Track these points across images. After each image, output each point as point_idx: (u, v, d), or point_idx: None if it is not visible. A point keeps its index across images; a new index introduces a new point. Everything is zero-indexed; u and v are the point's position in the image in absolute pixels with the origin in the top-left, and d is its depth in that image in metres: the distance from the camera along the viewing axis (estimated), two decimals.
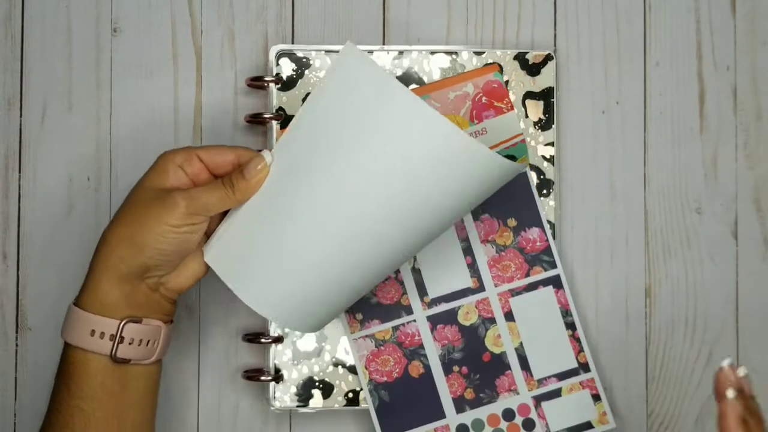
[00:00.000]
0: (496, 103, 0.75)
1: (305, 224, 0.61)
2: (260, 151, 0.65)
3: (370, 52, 0.75)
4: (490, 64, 0.75)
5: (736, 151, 0.78)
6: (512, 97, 0.75)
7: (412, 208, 0.60)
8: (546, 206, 0.75)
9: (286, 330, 0.73)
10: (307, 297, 0.63)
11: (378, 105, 0.59)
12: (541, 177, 0.75)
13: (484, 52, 0.75)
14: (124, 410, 0.64)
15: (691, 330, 0.77)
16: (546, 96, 0.75)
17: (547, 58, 0.75)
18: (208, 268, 0.66)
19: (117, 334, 0.63)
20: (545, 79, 0.75)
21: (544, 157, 0.75)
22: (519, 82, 0.75)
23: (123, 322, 0.63)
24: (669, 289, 0.77)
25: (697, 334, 0.77)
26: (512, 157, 0.74)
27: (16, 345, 0.75)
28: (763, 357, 0.77)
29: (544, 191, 0.75)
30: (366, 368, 0.73)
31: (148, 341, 0.64)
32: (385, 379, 0.73)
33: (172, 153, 0.65)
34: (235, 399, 0.75)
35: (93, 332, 0.62)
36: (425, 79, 0.75)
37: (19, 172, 0.75)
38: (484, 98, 0.75)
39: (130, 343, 0.63)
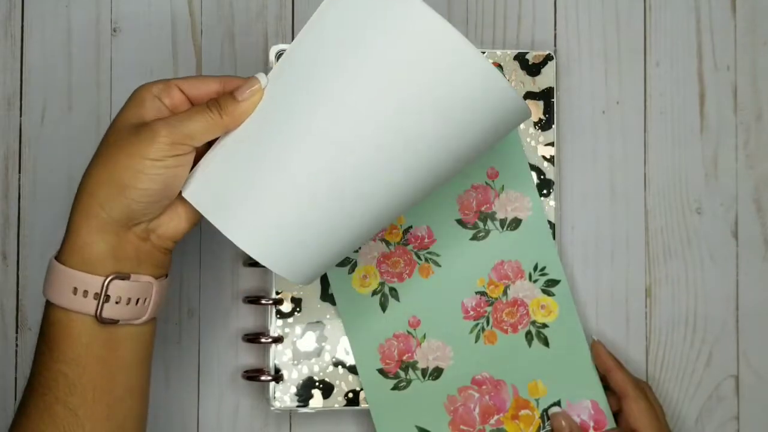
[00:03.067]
0: None
1: (301, 151, 0.55)
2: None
3: None
4: None
5: (736, 151, 0.78)
6: None
7: (413, 135, 0.55)
8: (546, 206, 0.75)
9: (287, 330, 0.73)
10: (300, 237, 0.56)
11: (390, 15, 0.54)
12: (542, 177, 0.75)
13: (484, 52, 0.75)
14: (114, 375, 0.58)
15: (691, 330, 0.77)
16: (546, 96, 0.75)
17: (547, 58, 0.75)
18: None
19: (102, 292, 0.56)
20: (545, 79, 0.75)
21: (544, 157, 0.75)
22: (519, 82, 0.75)
23: (108, 279, 0.56)
24: (669, 289, 0.77)
25: (697, 334, 0.77)
26: None
27: (16, 345, 0.75)
28: (763, 357, 0.77)
29: (545, 191, 0.75)
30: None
31: (138, 299, 0.58)
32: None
33: (147, 84, 0.59)
34: (235, 399, 0.75)
35: (75, 290, 0.56)
36: None
37: (19, 172, 0.75)
38: None
39: (117, 302, 0.57)
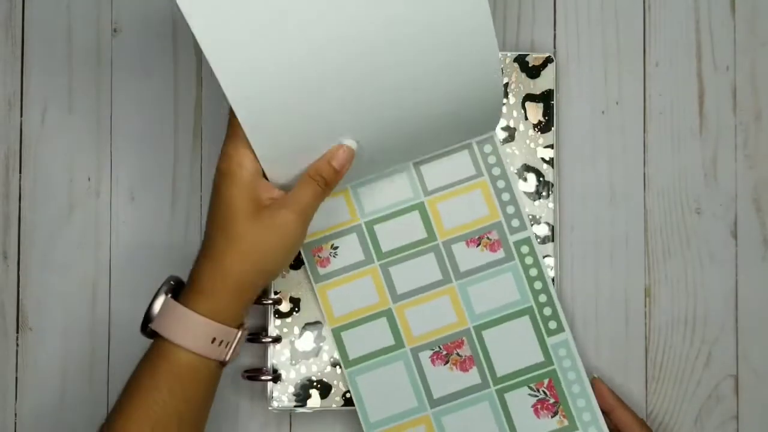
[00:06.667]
0: None
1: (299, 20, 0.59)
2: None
3: None
4: None
5: (735, 151, 0.78)
6: (512, 99, 0.75)
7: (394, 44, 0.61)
8: (545, 208, 0.75)
9: (285, 329, 0.73)
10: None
11: None
12: (541, 179, 0.75)
13: None
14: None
15: (691, 330, 0.77)
16: (546, 98, 0.75)
17: (547, 60, 0.75)
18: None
19: (234, 342, 0.63)
20: (545, 81, 0.75)
21: (543, 159, 0.75)
22: (519, 84, 0.75)
23: (240, 331, 0.63)
24: (669, 289, 0.77)
25: (697, 334, 0.77)
26: None
27: (17, 345, 0.75)
28: (763, 357, 0.77)
29: (544, 193, 0.75)
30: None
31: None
32: None
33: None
34: (235, 399, 0.75)
35: (214, 340, 0.61)
36: None
37: (20, 172, 0.75)
38: None
39: (234, 347, 0.63)
